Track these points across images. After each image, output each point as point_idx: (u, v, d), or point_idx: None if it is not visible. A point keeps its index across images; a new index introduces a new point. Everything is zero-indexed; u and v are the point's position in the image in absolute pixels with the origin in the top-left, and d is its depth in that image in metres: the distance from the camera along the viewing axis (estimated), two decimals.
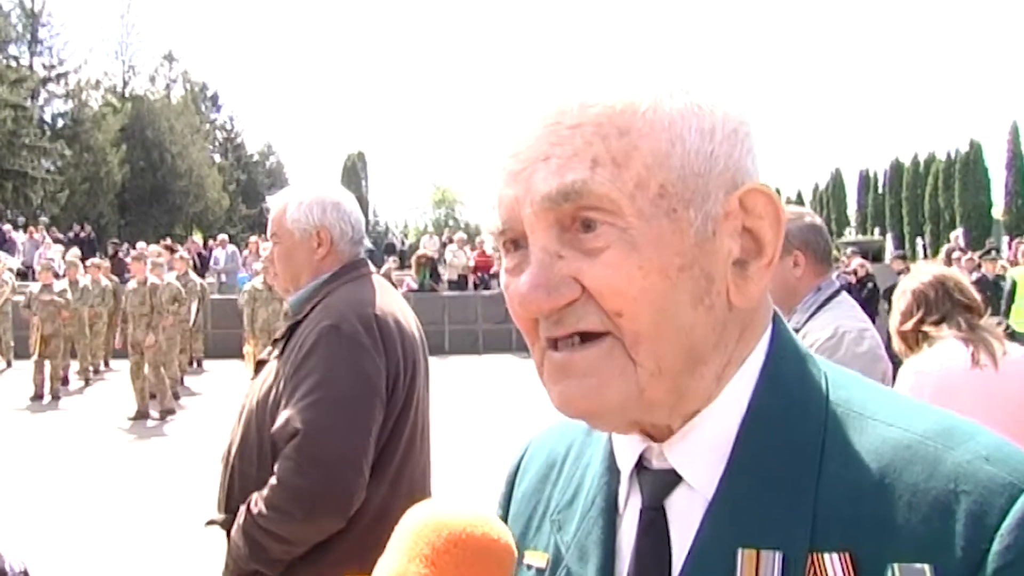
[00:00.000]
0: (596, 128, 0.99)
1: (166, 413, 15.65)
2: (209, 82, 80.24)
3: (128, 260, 20.29)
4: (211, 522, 3.04)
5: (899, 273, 18.84)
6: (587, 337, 1.01)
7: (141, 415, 15.58)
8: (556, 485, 1.26)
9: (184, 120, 64.94)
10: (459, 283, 27.91)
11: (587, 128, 0.99)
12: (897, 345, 4.23)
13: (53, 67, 59.13)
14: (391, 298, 3.22)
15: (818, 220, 4.10)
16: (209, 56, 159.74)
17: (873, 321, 4.21)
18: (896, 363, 3.99)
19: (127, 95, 63.68)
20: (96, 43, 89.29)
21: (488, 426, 12.89)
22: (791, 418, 1.04)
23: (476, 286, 27.77)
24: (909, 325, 4.10)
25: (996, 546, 0.89)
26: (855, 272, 20.29)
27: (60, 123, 58.19)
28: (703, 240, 1.01)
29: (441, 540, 0.94)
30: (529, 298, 1.00)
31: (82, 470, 11.55)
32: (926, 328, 3.99)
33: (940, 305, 4.00)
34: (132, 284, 16.49)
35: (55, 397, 17.99)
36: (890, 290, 18.23)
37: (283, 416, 2.87)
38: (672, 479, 1.07)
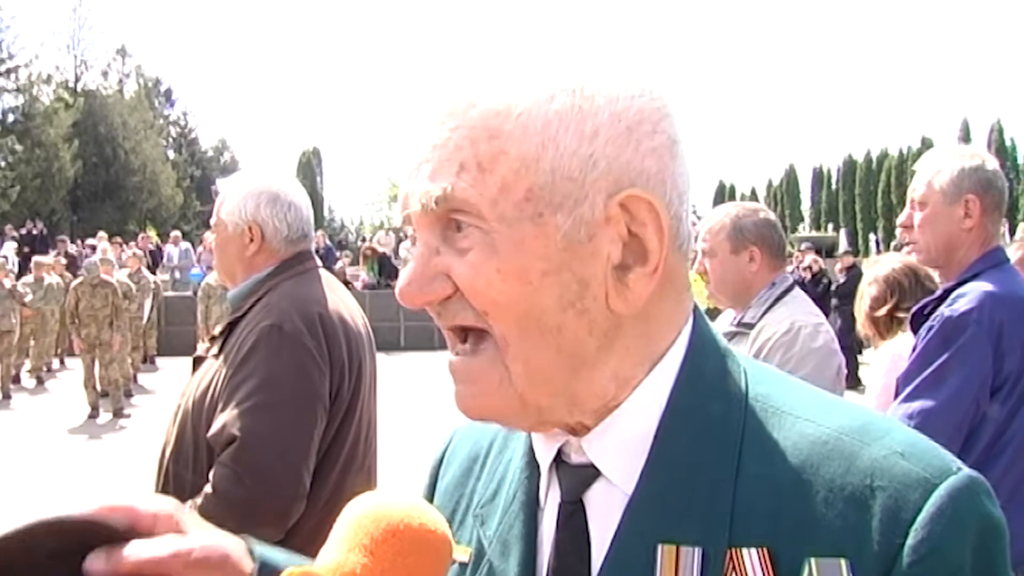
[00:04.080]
0: (469, 132, 1.00)
1: (118, 411, 15.52)
2: (163, 77, 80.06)
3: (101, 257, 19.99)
4: None
5: (848, 269, 18.98)
6: (471, 334, 1.05)
7: (95, 413, 15.50)
8: (479, 479, 1.26)
9: (137, 115, 64.28)
10: None
11: (462, 131, 1.00)
12: (867, 330, 4.35)
13: (3, 61, 58.14)
14: (337, 294, 3.10)
15: (772, 216, 4.17)
16: (163, 51, 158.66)
17: (826, 316, 4.32)
18: (851, 354, 4.11)
19: (79, 90, 62.93)
20: (47, 37, 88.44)
21: (442, 422, 12.80)
22: (710, 414, 1.05)
23: None
24: (883, 311, 4.28)
25: (910, 540, 0.92)
26: (809, 268, 20.41)
27: (11, 118, 57.31)
28: (574, 244, 1.00)
29: (380, 530, 0.95)
30: (403, 292, 1.05)
31: (33, 470, 11.44)
32: (900, 314, 4.11)
33: (913, 293, 4.14)
34: (83, 284, 15.98)
35: (6, 396, 17.79)
36: (841, 287, 18.40)
37: (220, 421, 2.74)
38: (591, 473, 1.08)
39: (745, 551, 0.97)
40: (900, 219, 3.56)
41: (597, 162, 1.00)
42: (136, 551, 0.92)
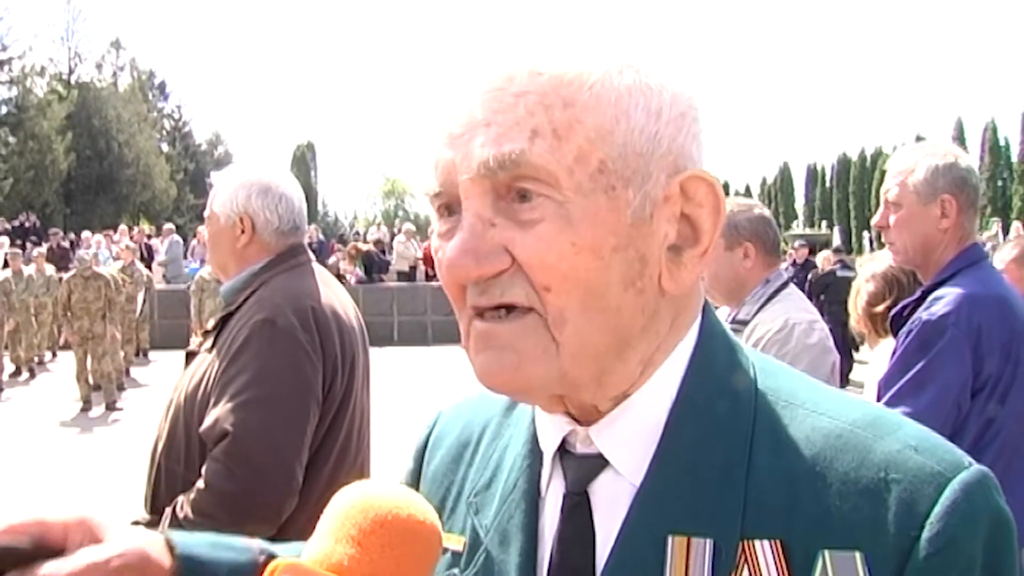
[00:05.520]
0: (540, 98, 0.96)
1: (111, 405, 15.48)
2: (157, 70, 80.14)
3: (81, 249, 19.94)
4: (135, 523, 2.86)
5: (835, 264, 18.94)
6: (511, 310, 0.99)
7: (87, 407, 15.45)
8: (471, 466, 1.24)
9: (131, 108, 64.27)
10: (408, 274, 27.84)
11: (531, 97, 0.96)
12: (861, 327, 4.33)
13: None
14: (330, 289, 3.08)
15: (767, 212, 4.17)
16: (157, 44, 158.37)
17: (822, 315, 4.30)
18: (845, 351, 4.08)
19: (73, 82, 62.86)
20: (41, 29, 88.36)
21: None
22: (721, 406, 1.04)
23: (428, 277, 27.68)
24: (881, 308, 4.21)
25: (926, 533, 0.92)
26: (803, 265, 20.30)
27: (4, 110, 57.21)
28: (640, 222, 0.99)
29: (368, 521, 0.94)
30: (457, 263, 0.98)
31: (25, 463, 11.41)
32: None
33: (911, 290, 4.09)
34: (76, 277, 15.90)
35: None
36: (820, 279, 18.35)
37: (212, 415, 2.73)
38: (598, 464, 1.07)
39: (758, 543, 0.96)
40: (874, 220, 3.53)
41: (661, 141, 1.00)
42: (50, 572, 0.90)
